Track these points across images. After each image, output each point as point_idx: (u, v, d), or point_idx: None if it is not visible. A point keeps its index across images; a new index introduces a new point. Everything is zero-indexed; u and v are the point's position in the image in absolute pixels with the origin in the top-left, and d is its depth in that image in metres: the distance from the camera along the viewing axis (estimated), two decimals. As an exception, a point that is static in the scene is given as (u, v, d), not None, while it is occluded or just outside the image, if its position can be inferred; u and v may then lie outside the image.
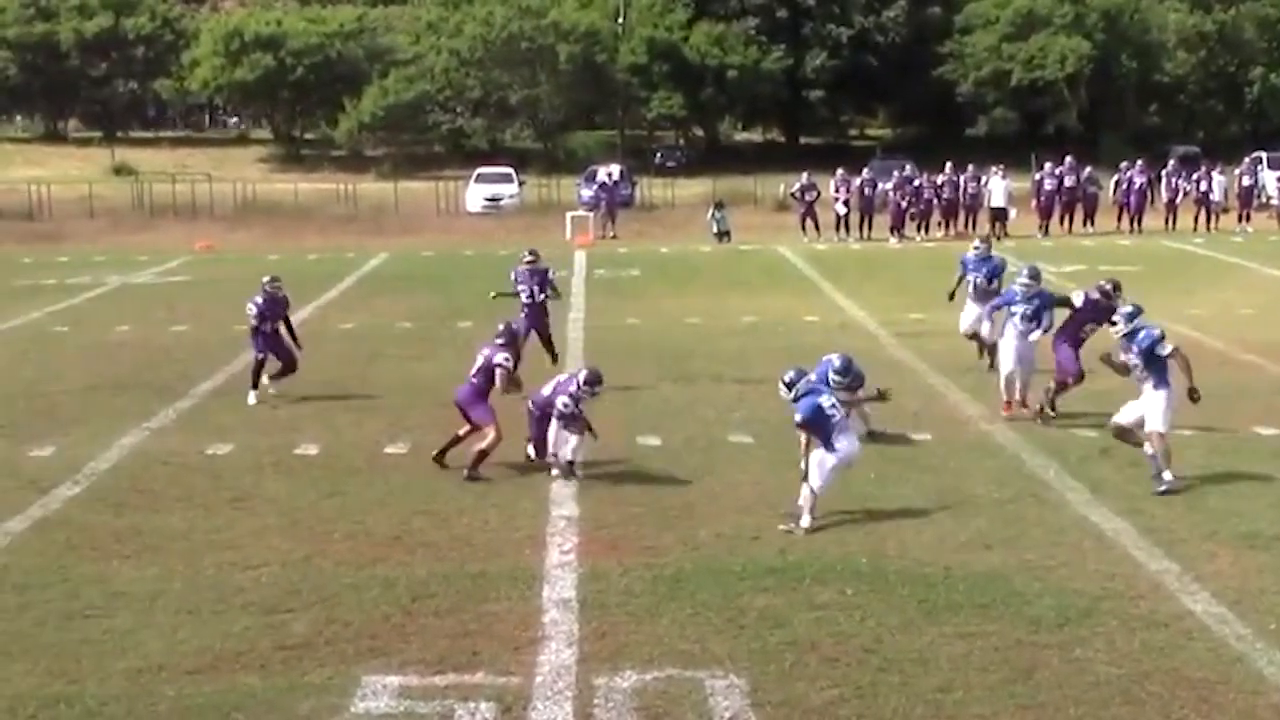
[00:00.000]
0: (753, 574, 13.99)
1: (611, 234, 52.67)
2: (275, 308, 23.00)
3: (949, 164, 52.10)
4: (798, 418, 15.77)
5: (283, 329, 23.07)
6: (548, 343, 24.72)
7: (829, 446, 15.63)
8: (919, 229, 50.18)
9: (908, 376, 24.54)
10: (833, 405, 15.89)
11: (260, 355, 22.98)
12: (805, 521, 15.53)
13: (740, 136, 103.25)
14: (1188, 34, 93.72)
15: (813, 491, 15.63)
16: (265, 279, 23.25)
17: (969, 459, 18.61)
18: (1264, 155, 64.29)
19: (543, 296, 24.49)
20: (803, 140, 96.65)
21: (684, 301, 33.26)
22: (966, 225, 49.69)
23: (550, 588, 13.73)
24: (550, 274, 24.81)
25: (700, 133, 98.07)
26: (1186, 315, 30.58)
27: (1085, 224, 51.69)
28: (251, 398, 22.63)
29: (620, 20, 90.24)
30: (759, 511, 16.19)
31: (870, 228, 50.26)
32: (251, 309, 22.87)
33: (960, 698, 11.14)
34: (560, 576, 14.06)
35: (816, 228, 49.92)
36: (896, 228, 49.72)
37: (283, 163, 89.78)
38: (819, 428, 15.63)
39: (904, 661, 11.81)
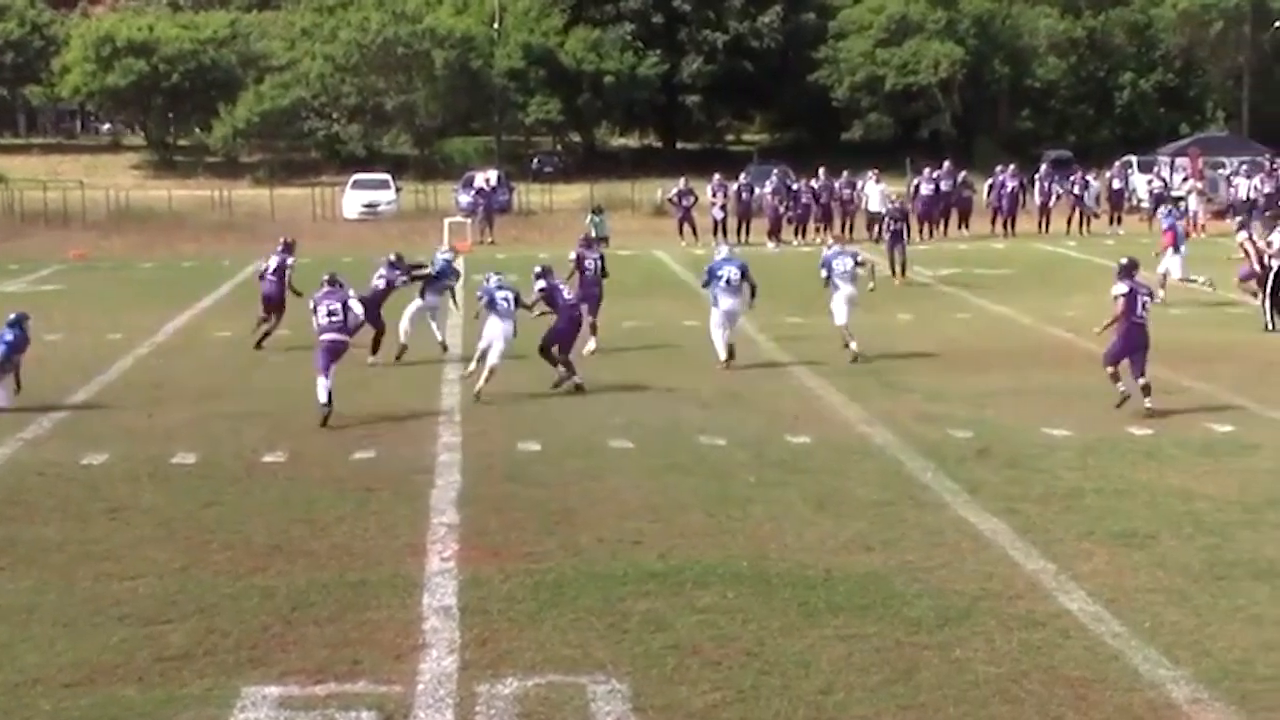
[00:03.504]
0: (634, 578, 13.99)
1: (489, 240, 52.60)
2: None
3: (822, 169, 52.44)
4: None
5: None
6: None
7: None
8: (796, 233, 50.42)
9: (786, 380, 24.67)
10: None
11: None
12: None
13: (617, 142, 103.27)
14: (1058, 39, 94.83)
15: None
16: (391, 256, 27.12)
17: (848, 461, 18.70)
18: (1134, 159, 65.10)
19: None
20: (680, 145, 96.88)
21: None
22: (843, 229, 49.94)
23: (431, 595, 13.66)
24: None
25: (577, 138, 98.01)
26: (1060, 317, 30.95)
27: (960, 228, 52.15)
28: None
29: (496, 26, 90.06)
30: (640, 516, 16.20)
31: (748, 232, 50.44)
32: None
33: (841, 699, 11.19)
34: (441, 583, 14.00)
35: (694, 233, 50.03)
36: (774, 232, 49.91)
37: (156, 169, 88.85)
38: None
39: (786, 664, 11.85)
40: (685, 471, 18.23)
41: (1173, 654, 11.99)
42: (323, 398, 21.36)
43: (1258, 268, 30.73)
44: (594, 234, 48.73)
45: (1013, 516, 16.03)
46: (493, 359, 23.04)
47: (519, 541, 15.34)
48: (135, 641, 12.53)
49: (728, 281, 25.62)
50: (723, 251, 27.53)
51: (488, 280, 23.95)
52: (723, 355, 25.61)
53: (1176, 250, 33.43)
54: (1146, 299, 21.70)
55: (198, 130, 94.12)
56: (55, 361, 27.00)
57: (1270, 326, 29.36)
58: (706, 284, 26.18)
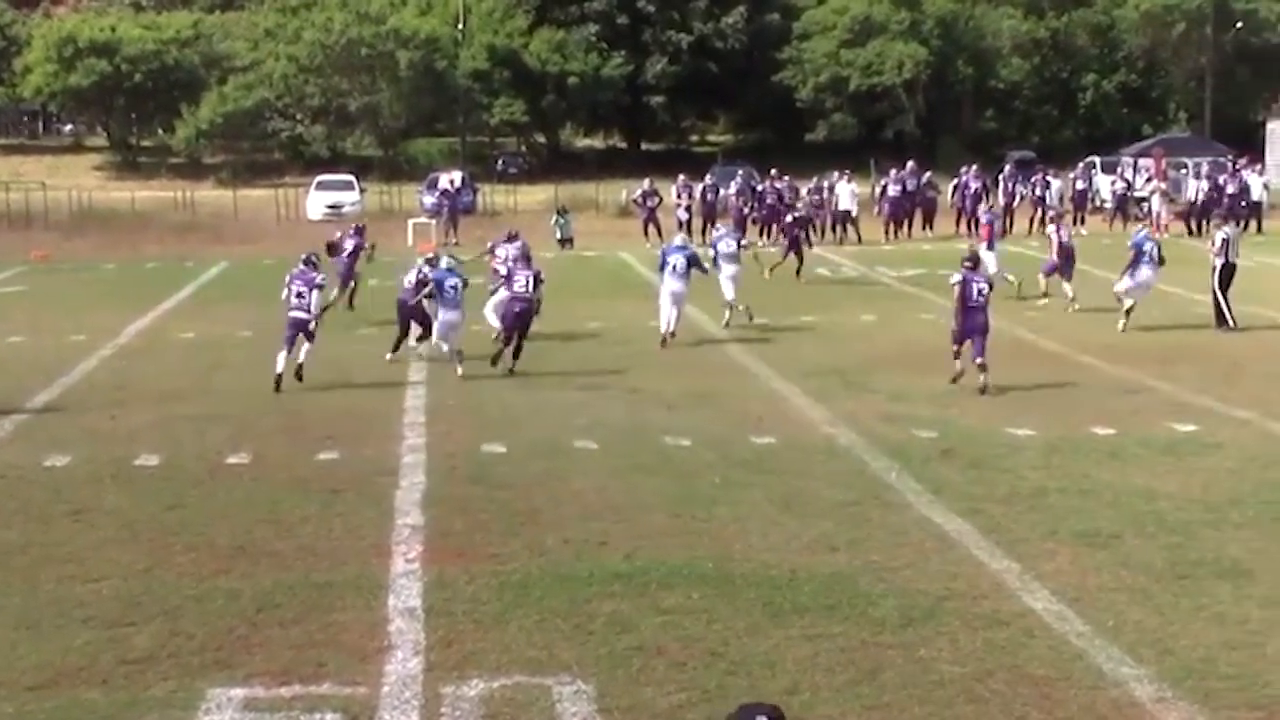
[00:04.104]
0: (599, 579, 13.98)
1: (454, 241, 52.45)
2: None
3: (774, 171, 52.50)
4: None
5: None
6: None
7: None
8: (761, 234, 50.45)
9: (751, 381, 24.70)
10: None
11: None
12: None
13: (582, 143, 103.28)
14: (1022, 40, 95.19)
15: None
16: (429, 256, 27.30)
17: (813, 462, 18.72)
18: (1097, 160, 65.35)
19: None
20: (644, 146, 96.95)
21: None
22: (820, 232, 50.05)
23: (396, 596, 13.64)
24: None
25: (542, 139, 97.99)
26: (1023, 317, 31.04)
27: (924, 228, 52.27)
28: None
29: (460, 27, 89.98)
30: (605, 517, 16.20)
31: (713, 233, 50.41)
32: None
33: (807, 699, 11.21)
34: (406, 585, 13.97)
35: (659, 234, 49.95)
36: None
37: (119, 170, 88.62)
38: None
39: (751, 664, 11.86)
40: (650, 472, 18.23)
41: (1136, 653, 12.03)
42: (278, 368, 23.82)
43: (1055, 259, 33.20)
44: (559, 235, 48.97)
45: (977, 516, 16.07)
46: (445, 346, 24.91)
47: (484, 543, 15.32)
48: (99, 644, 12.48)
49: (674, 268, 28.22)
50: (677, 240, 30.82)
51: (434, 268, 25.60)
52: (662, 329, 28.30)
53: (990, 247, 34.96)
54: (982, 286, 23.51)
55: (161, 131, 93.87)
56: (17, 363, 26.95)
57: (1231, 324, 29.50)
58: (661, 268, 28.74)
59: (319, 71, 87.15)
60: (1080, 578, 14.00)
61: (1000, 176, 55.81)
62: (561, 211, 52.00)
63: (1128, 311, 29.41)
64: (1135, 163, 64.68)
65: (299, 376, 24.07)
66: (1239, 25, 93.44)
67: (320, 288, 24.97)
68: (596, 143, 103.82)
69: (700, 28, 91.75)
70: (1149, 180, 58.57)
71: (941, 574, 14.10)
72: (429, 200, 60.37)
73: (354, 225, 35.58)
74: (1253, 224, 50.59)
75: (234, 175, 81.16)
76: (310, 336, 24.40)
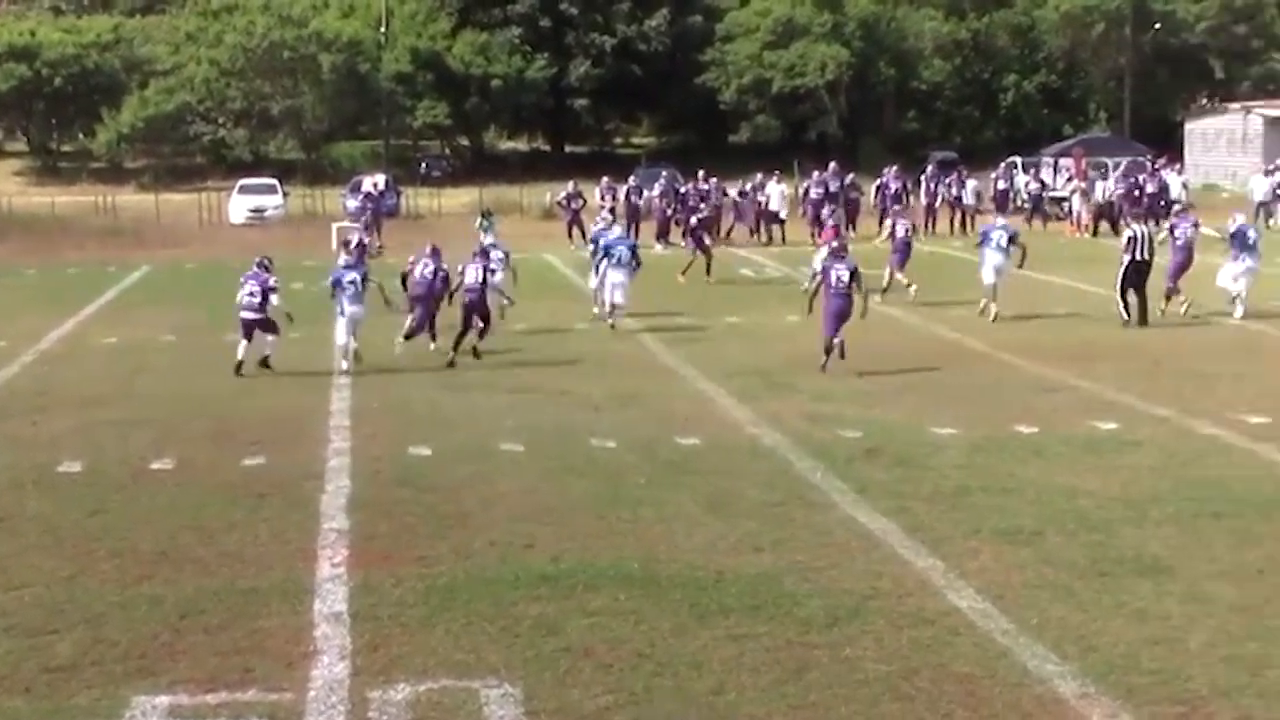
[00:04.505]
0: (526, 582, 13.97)
1: (378, 244, 52.28)
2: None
3: (701, 172, 52.61)
4: None
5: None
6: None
7: None
8: (684, 235, 50.48)
9: (676, 382, 24.74)
10: None
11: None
12: None
13: (506, 145, 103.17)
14: (943, 41, 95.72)
15: None
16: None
17: (738, 462, 18.76)
18: (1019, 160, 65.76)
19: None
20: (568, 149, 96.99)
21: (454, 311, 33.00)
22: (730, 232, 50.14)
23: (322, 601, 13.59)
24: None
25: (465, 142, 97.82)
26: (946, 316, 31.24)
27: (847, 229, 52.37)
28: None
29: (383, 29, 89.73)
30: (531, 519, 16.19)
31: (636, 234, 50.30)
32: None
33: (733, 699, 11.24)
34: (332, 589, 13.92)
35: (583, 236, 49.92)
36: (662, 234, 49.97)
37: (40, 176, 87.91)
38: None
39: (677, 665, 11.88)
40: (577, 474, 18.23)
41: (1060, 649, 12.12)
42: (239, 355, 25.29)
43: (896, 252, 34.84)
44: (483, 238, 48.87)
45: (901, 515, 16.15)
46: (344, 340, 25.84)
47: (410, 546, 15.28)
48: (21, 652, 12.38)
49: (618, 259, 30.21)
50: (615, 231, 32.86)
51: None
52: (596, 310, 30.80)
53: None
54: (843, 274, 24.90)
55: (81, 136, 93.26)
56: (-63, 370, 26.70)
57: (1126, 319, 29.82)
58: (594, 254, 31.07)
59: (241, 75, 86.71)
60: (1004, 575, 14.09)
61: (922, 177, 56.11)
62: (485, 214, 51.83)
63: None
64: (1056, 163, 65.14)
65: (266, 365, 25.51)
66: (1157, 26, 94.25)
67: (274, 289, 25.82)
68: (520, 145, 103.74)
69: (623, 30, 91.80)
70: (1070, 180, 58.99)
71: (866, 573, 14.16)
72: (352, 204, 60.08)
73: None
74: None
75: (156, 179, 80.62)
76: (272, 330, 25.72)
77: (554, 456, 19.14)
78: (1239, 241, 31.33)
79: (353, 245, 29.11)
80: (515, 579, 14.08)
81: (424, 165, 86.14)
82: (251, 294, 25.60)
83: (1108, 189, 53.99)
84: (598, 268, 31.13)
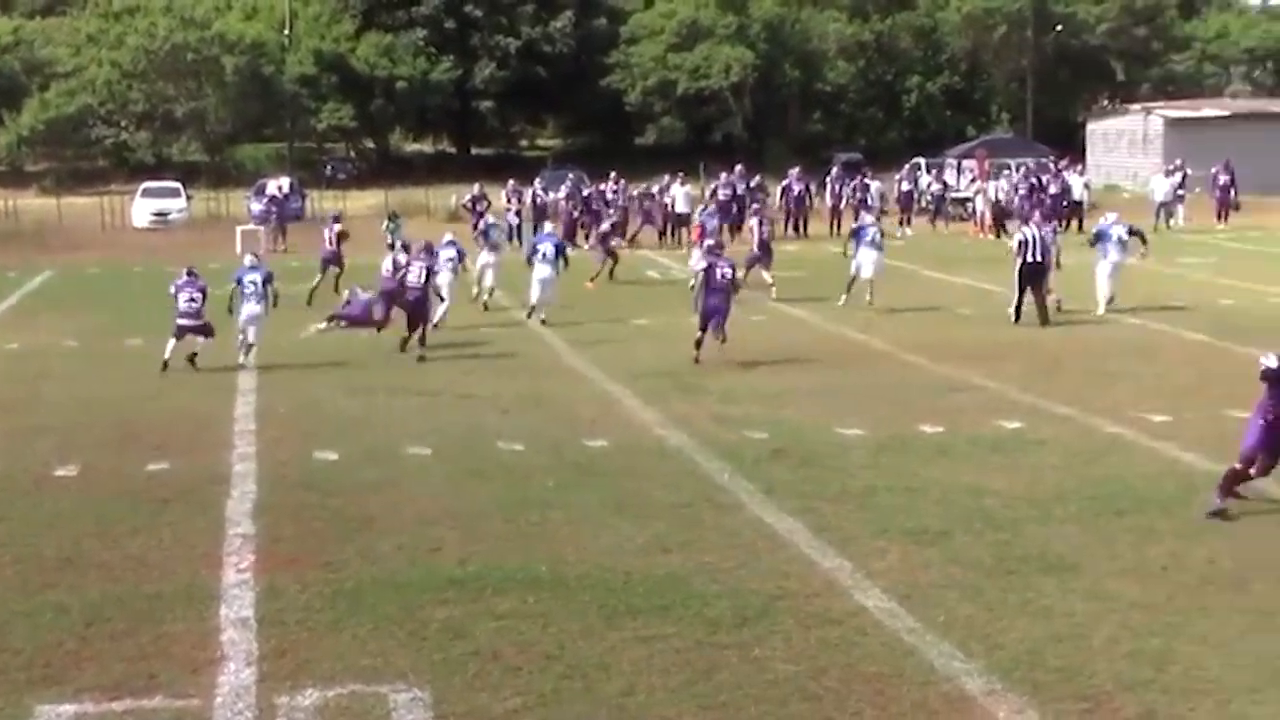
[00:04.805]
0: (434, 585, 13.93)
1: (283, 248, 52.00)
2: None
3: (613, 174, 52.64)
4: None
5: None
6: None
7: None
8: (588, 238, 50.48)
9: (583, 384, 24.74)
10: None
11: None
12: None
13: (411, 148, 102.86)
14: (847, 43, 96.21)
15: None
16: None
17: (645, 464, 18.78)
18: (922, 161, 66.13)
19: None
20: (474, 151, 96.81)
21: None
22: (636, 235, 50.20)
23: (228, 607, 13.50)
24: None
25: (371, 144, 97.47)
26: (852, 318, 31.38)
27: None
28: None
29: (286, 32, 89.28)
30: (439, 522, 16.15)
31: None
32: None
33: (643, 701, 11.25)
34: (238, 595, 13.84)
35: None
36: (568, 237, 49.87)
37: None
38: None
39: (586, 667, 11.88)
40: (484, 477, 18.20)
41: (966, 647, 12.20)
42: (166, 355, 25.71)
43: (757, 250, 35.95)
44: (390, 240, 48.67)
45: (808, 515, 16.21)
46: (250, 338, 26.43)
47: (317, 550, 15.21)
48: (-77, 661, 12.25)
49: (544, 255, 31.36)
50: (546, 228, 34.63)
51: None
52: (530, 305, 31.69)
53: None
54: (725, 271, 26.23)
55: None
56: None
57: (1015, 319, 30.12)
58: (529, 256, 31.92)
59: (143, 77, 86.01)
60: (910, 575, 14.18)
61: (828, 178, 56.35)
62: (392, 217, 51.63)
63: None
64: (959, 164, 65.55)
65: (193, 362, 25.91)
66: (1059, 28, 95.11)
67: (204, 291, 26.23)
68: (426, 147, 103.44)
69: (528, 32, 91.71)
70: (973, 181, 59.38)
71: (774, 573, 14.21)
72: (257, 207, 59.68)
73: (332, 213, 41.99)
74: (1074, 224, 51.34)
75: (57, 183, 79.85)
76: (208, 333, 26.11)
77: (461, 460, 19.10)
78: (1103, 240, 32.41)
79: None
80: (423, 582, 14.04)
81: (329, 167, 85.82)
82: (192, 300, 25.94)
83: (1000, 188, 54.39)
84: (533, 266, 31.84)
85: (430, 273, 27.89)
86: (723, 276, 26.15)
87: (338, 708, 11.21)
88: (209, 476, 18.35)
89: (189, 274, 26.71)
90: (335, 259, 37.09)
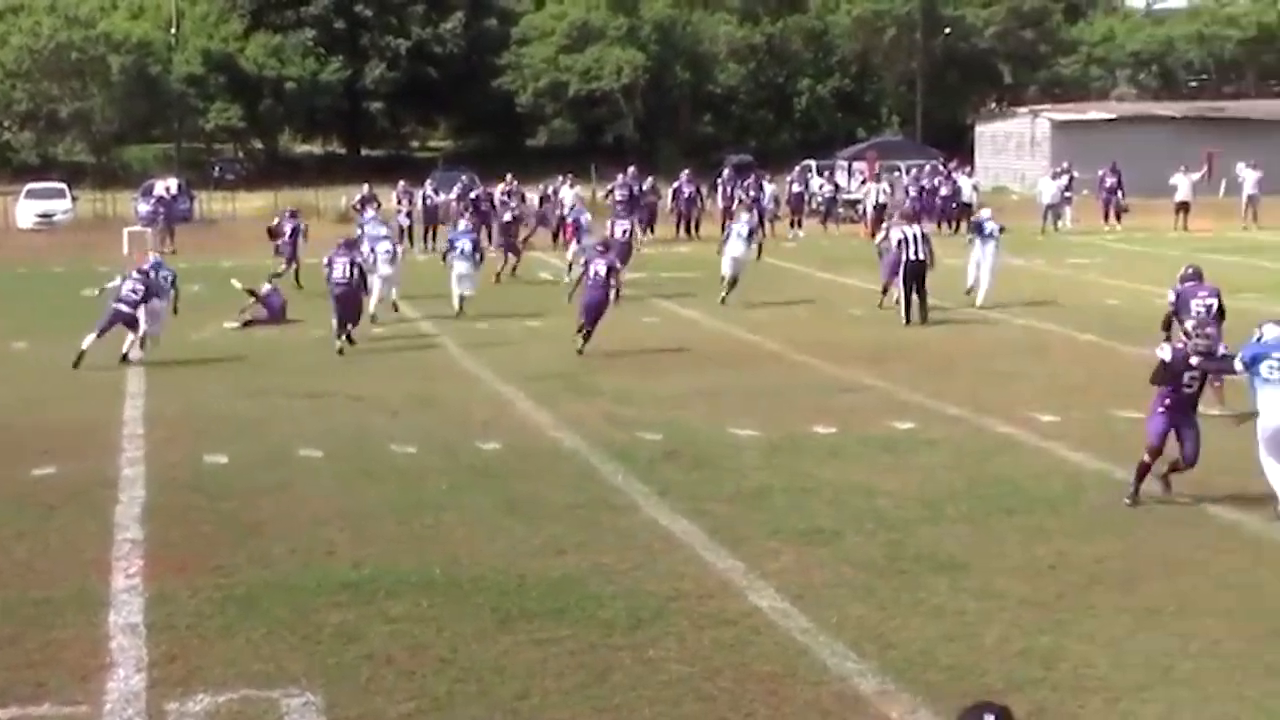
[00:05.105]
0: (327, 589, 13.84)
1: (171, 249, 51.47)
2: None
3: (509, 175, 52.56)
4: None
5: None
6: None
7: None
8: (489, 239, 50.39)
9: (475, 385, 24.67)
10: None
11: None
12: None
13: (301, 149, 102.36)
14: (738, 46, 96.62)
15: None
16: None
17: (540, 466, 18.75)
18: (813, 163, 66.43)
19: None
20: (364, 152, 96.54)
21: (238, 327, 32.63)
22: (530, 237, 50.12)
23: (117, 612, 13.35)
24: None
25: (260, 145, 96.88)
26: (744, 319, 31.46)
27: (646, 231, 52.55)
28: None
29: (174, 31, 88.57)
30: (332, 525, 16.05)
31: (434, 238, 50.19)
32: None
33: (537, 703, 11.23)
34: (127, 600, 13.69)
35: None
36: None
37: None
38: None
39: (481, 670, 11.84)
40: (376, 479, 18.11)
41: (859, 647, 12.26)
42: (84, 345, 26.05)
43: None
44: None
45: (702, 517, 16.23)
46: (147, 328, 26.97)
47: (207, 555, 15.07)
48: None
49: (462, 251, 32.64)
50: (462, 225, 35.26)
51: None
52: (455, 306, 32.50)
53: (578, 242, 38.13)
54: (600, 268, 27.33)
55: None
56: None
57: (906, 320, 30.36)
58: (446, 253, 33.48)
59: (27, 77, 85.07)
60: (803, 575, 14.23)
61: (719, 180, 56.49)
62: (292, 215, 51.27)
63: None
64: (850, 166, 65.92)
65: (125, 360, 26.37)
66: (947, 31, 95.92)
67: (149, 287, 26.82)
68: (315, 148, 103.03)
69: (419, 33, 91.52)
70: (863, 183, 59.72)
71: (669, 574, 14.22)
72: (144, 208, 58.96)
73: (288, 209, 42.37)
74: (963, 225, 51.70)
75: (-61, 184, 78.93)
76: (134, 326, 26.60)
77: (354, 462, 18.99)
78: (978, 231, 34.16)
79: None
80: (316, 586, 13.95)
81: (217, 168, 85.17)
82: (134, 290, 26.64)
83: (882, 190, 54.77)
84: (452, 265, 32.98)
85: (355, 267, 28.38)
86: (596, 274, 27.27)
87: (229, 713, 11.12)
88: (97, 481, 18.15)
89: (140, 271, 27.48)
90: (294, 254, 38.29)
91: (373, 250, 32.26)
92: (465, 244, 32.87)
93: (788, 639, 12.52)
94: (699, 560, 14.76)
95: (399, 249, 33.38)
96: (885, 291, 32.79)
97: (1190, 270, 22.46)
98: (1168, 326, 21.76)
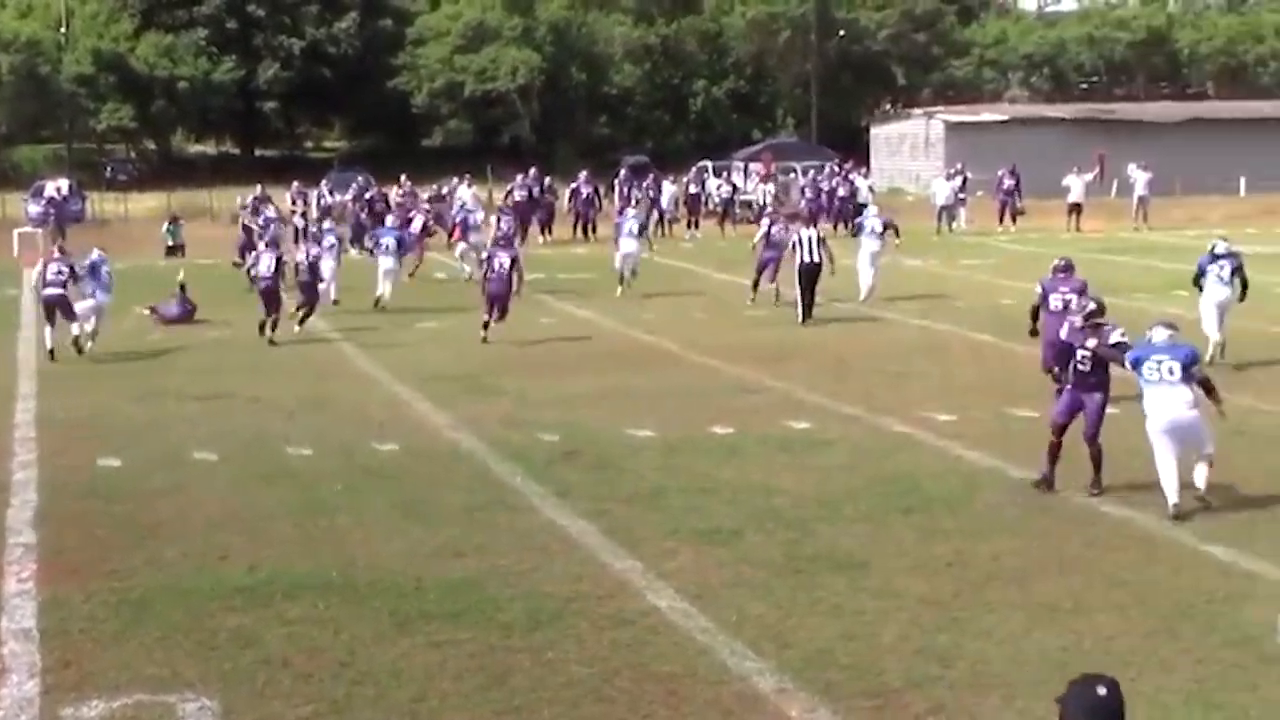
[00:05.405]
0: (222, 593, 13.73)
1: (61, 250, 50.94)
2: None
3: (403, 176, 52.43)
4: None
5: None
6: None
7: None
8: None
9: (371, 386, 24.56)
10: None
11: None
12: None
13: (194, 149, 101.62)
14: (633, 47, 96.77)
15: None
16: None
17: (437, 467, 18.68)
18: (709, 164, 66.58)
19: None
20: (259, 152, 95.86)
21: (146, 319, 32.36)
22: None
23: (9, 618, 13.19)
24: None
25: (152, 145, 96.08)
26: (640, 320, 31.49)
27: (544, 233, 52.53)
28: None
29: (63, 30, 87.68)
30: (227, 528, 15.92)
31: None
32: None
33: (435, 706, 11.18)
34: (19, 606, 13.52)
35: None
36: (356, 239, 49.53)
37: None
38: None
39: (378, 673, 11.79)
40: (272, 482, 17.98)
41: (758, 646, 12.28)
42: (48, 344, 26.84)
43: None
44: (170, 243, 48.03)
45: (601, 518, 16.22)
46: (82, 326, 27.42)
47: (101, 559, 14.92)
48: None
49: (386, 248, 34.05)
50: (389, 221, 37.53)
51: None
52: (379, 294, 33.69)
53: (465, 240, 39.76)
54: (504, 261, 28.64)
55: None
56: None
57: (802, 320, 30.53)
58: (371, 250, 35.70)
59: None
60: (702, 575, 14.24)
61: (615, 181, 56.52)
62: (173, 220, 50.98)
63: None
64: (746, 167, 66.11)
65: (79, 350, 27.00)
66: (841, 33, 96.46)
67: (72, 267, 27.63)
68: (209, 149, 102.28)
69: (312, 33, 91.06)
70: (759, 183, 59.93)
71: (568, 576, 14.20)
72: (35, 209, 58.52)
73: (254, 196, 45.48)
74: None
75: None
76: (70, 315, 27.10)
77: (248, 464, 18.86)
78: (860, 231, 34.94)
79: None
80: (211, 590, 13.83)
81: (109, 169, 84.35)
82: (59, 272, 27.31)
83: (767, 191, 55.06)
84: (378, 261, 34.43)
85: (280, 263, 29.26)
86: (500, 265, 28.58)
87: (124, 718, 11.01)
88: (-12, 485, 17.93)
89: (60, 251, 28.90)
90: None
91: (377, 244, 34.80)
92: (389, 240, 34.25)
93: (687, 639, 12.52)
94: (597, 561, 14.75)
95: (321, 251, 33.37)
96: (756, 287, 33.51)
97: (1062, 262, 22.30)
98: (1035, 317, 21.89)
